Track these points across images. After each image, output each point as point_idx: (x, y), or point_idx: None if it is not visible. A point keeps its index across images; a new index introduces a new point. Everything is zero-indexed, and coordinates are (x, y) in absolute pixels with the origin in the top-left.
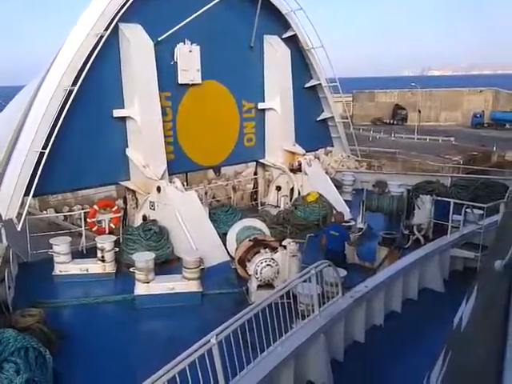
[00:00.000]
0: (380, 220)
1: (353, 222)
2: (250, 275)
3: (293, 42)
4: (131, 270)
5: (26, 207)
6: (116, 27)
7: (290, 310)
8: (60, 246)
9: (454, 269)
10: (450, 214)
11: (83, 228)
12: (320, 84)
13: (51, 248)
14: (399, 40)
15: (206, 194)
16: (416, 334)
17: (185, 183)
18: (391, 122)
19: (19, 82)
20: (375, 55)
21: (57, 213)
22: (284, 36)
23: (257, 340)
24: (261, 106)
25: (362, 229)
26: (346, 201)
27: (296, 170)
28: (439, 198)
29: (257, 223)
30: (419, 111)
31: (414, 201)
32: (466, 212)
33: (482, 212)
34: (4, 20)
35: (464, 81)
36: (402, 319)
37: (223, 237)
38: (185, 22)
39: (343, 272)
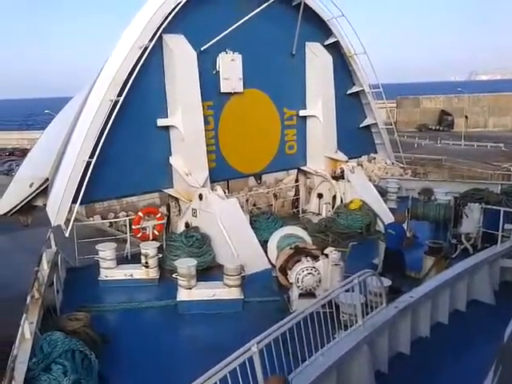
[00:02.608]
0: (426, 229)
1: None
2: (291, 283)
3: (335, 49)
4: (174, 276)
5: (74, 214)
6: (160, 38)
7: (332, 320)
8: (106, 252)
9: (505, 280)
10: (501, 222)
11: (128, 234)
12: (363, 90)
13: (97, 254)
14: (445, 44)
15: (247, 201)
16: (464, 346)
17: (226, 191)
18: (437, 128)
19: (68, 93)
20: (420, 60)
21: (103, 219)
22: (326, 43)
23: (298, 349)
24: (302, 113)
25: (407, 237)
26: (390, 209)
27: (338, 177)
28: (489, 207)
29: (298, 231)
30: (466, 117)
31: (462, 209)
32: None
33: None
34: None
35: None
36: (448, 331)
37: (264, 244)
38: (227, 31)
39: (387, 281)
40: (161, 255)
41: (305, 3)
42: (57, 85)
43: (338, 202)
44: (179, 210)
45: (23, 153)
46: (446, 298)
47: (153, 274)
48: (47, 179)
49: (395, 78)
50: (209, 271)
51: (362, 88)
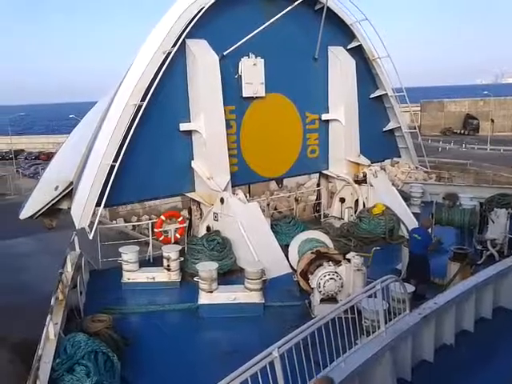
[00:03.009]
0: (451, 234)
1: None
2: (312, 288)
3: (358, 52)
4: (195, 279)
5: (98, 217)
6: (183, 43)
7: (354, 326)
8: (128, 255)
9: None
10: None
11: (150, 237)
12: (386, 94)
13: (120, 256)
14: (471, 46)
15: (268, 205)
16: (490, 354)
17: (247, 195)
18: (462, 132)
19: (92, 98)
20: (444, 63)
21: (126, 222)
22: (349, 46)
23: (319, 355)
24: (324, 117)
25: (432, 243)
26: (413, 213)
27: (361, 181)
28: None
29: (320, 235)
30: (492, 121)
31: (488, 214)
32: None
33: None
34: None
35: None
36: (474, 339)
37: (285, 248)
38: (249, 36)
39: (411, 288)
40: (182, 258)
41: (328, 7)
42: (82, 90)
43: (361, 206)
44: (201, 214)
45: (48, 156)
46: (471, 305)
47: (174, 277)
48: (72, 182)
49: (419, 81)
50: (230, 275)
51: (385, 92)
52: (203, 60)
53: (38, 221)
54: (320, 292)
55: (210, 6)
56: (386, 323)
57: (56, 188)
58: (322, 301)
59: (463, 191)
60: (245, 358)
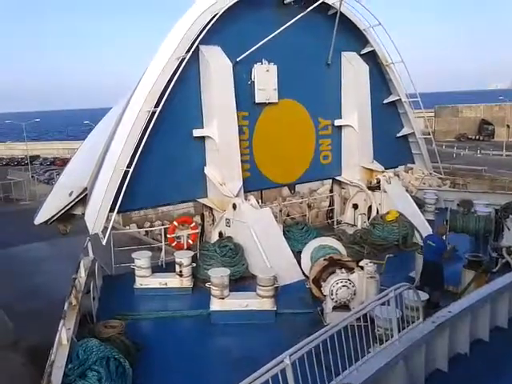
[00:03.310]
0: (465, 241)
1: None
2: (324, 296)
3: (371, 58)
4: (207, 285)
5: (111, 223)
6: (196, 49)
7: (366, 334)
8: (141, 260)
9: None
10: None
11: (163, 243)
12: (400, 99)
13: (133, 262)
14: (485, 52)
15: (280, 211)
16: (505, 364)
17: (259, 200)
18: (477, 137)
19: (106, 104)
20: (459, 68)
21: (138, 228)
22: (362, 52)
23: (332, 363)
24: (337, 122)
25: (447, 250)
26: (428, 220)
27: (374, 187)
28: None
29: (332, 242)
30: (508, 126)
31: (504, 221)
32: None
33: None
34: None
35: None
36: (489, 348)
37: (297, 255)
38: (262, 42)
39: (424, 295)
40: (194, 264)
41: (341, 12)
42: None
43: (374, 212)
44: (213, 220)
45: (63, 162)
46: (486, 314)
47: (186, 283)
48: (86, 188)
49: (433, 86)
50: (242, 281)
51: (398, 97)
52: (217, 66)
53: (52, 226)
54: (332, 299)
55: (223, 13)
56: (399, 331)
57: (70, 194)
58: (335, 308)
59: (478, 198)
60: (256, 365)
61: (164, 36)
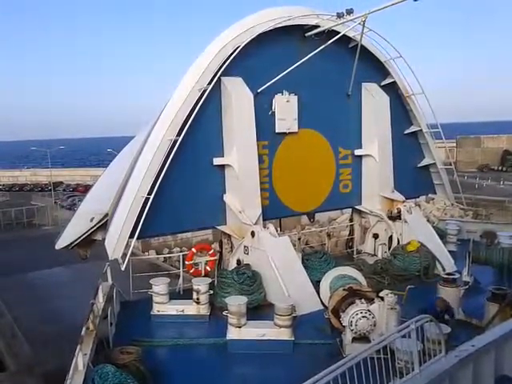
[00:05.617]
0: (489, 274)
1: (457, 275)
2: (344, 326)
3: (392, 88)
4: (224, 313)
5: (131, 249)
6: (218, 80)
7: (386, 367)
8: (159, 287)
9: None
10: None
11: (181, 270)
12: (421, 130)
13: (151, 288)
14: (507, 81)
15: (299, 239)
16: None
17: (278, 229)
18: (499, 168)
19: (128, 132)
20: (481, 99)
21: (157, 254)
22: (383, 83)
23: None
24: (358, 152)
25: (467, 282)
26: (449, 251)
27: (395, 217)
28: None
29: (352, 272)
30: None
31: None
32: None
33: None
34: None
35: None
36: None
37: (316, 284)
38: (283, 73)
39: (447, 328)
40: (212, 292)
41: (362, 45)
42: (119, 124)
43: (395, 242)
44: (231, 247)
45: (86, 189)
46: (511, 349)
47: (203, 310)
48: (107, 214)
49: (456, 117)
50: (259, 310)
51: (419, 128)
52: (238, 97)
53: (72, 251)
54: (352, 330)
55: (245, 45)
56: (420, 365)
57: (92, 219)
58: (354, 340)
59: (501, 229)
60: None
61: (187, 67)
